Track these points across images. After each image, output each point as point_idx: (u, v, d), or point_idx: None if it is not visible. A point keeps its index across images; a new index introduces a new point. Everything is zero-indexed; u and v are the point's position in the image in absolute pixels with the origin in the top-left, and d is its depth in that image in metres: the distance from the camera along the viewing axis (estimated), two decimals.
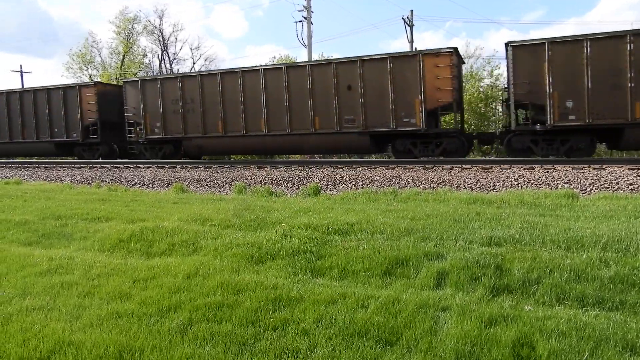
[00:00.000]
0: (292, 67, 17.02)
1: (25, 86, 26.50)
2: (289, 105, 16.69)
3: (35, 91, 21.65)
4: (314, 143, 16.97)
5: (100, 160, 20.86)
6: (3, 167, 19.36)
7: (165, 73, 18.63)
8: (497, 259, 4.42)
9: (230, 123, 17.76)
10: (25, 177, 16.42)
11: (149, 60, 42.77)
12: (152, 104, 19.01)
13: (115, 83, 26.57)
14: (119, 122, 20.65)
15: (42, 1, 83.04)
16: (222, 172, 14.43)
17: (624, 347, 2.95)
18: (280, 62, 16.56)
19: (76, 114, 20.57)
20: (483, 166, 12.37)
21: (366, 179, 11.86)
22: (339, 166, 13.97)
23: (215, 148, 18.69)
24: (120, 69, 39.82)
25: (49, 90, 21.17)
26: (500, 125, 18.19)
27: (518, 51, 13.87)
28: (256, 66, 17.65)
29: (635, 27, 16.03)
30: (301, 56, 59.89)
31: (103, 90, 20.92)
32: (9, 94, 22.26)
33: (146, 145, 19.84)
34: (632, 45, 12.74)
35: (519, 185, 10.40)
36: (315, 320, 3.44)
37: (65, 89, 20.97)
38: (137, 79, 19.75)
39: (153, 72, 40.06)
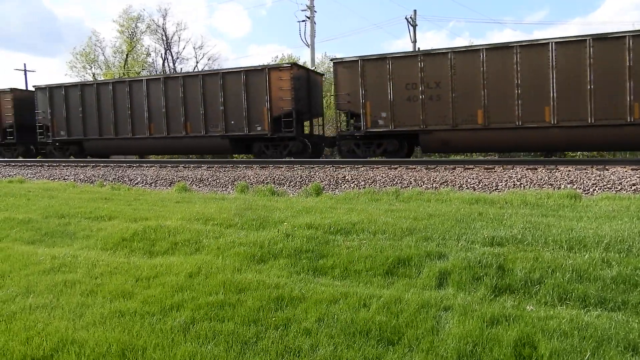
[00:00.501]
0: (600, 39, 13.30)
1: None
2: (592, 88, 13.21)
3: (204, 76, 18.25)
4: (631, 138, 13.19)
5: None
6: (7, 165, 19.44)
7: (395, 51, 15.58)
8: (499, 259, 4.42)
9: (495, 112, 14.26)
10: (29, 175, 16.48)
11: (152, 59, 42.93)
12: (376, 90, 15.48)
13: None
14: (306, 111, 17.86)
15: (46, 0, 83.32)
16: (224, 171, 14.46)
17: (625, 347, 2.95)
18: (578, 35, 13.45)
19: (263, 103, 17.06)
20: (485, 166, 12.36)
21: (368, 179, 11.86)
22: (341, 166, 13.98)
23: (469, 143, 15.08)
24: (124, 68, 39.95)
25: (224, 75, 17.69)
26: None
27: None
28: (543, 39, 13.87)
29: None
30: (304, 56, 59.90)
31: (298, 73, 17.31)
32: (167, 79, 19.08)
33: (360, 141, 16.24)
34: None
35: (522, 185, 10.38)
36: (317, 319, 3.45)
37: (248, 72, 17.33)
38: (356, 58, 15.84)
39: (156, 71, 40.16)
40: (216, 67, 42.38)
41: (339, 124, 17.09)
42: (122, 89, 19.66)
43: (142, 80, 19.51)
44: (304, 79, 17.76)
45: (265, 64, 17.09)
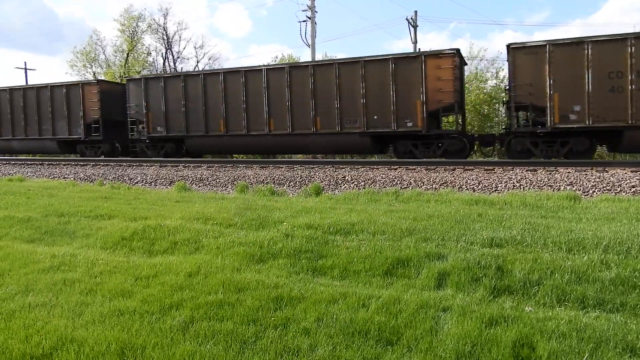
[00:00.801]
0: None
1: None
2: None
3: (340, 64, 15.94)
4: None
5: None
6: (7, 163, 19.44)
7: (596, 34, 13.59)
8: (499, 260, 4.43)
9: None
10: (29, 174, 16.49)
11: (153, 58, 42.92)
12: (567, 79, 13.40)
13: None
14: (461, 105, 15.67)
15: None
16: (224, 171, 14.46)
17: (624, 348, 2.95)
18: None
19: (416, 95, 14.87)
20: (485, 167, 12.36)
21: (368, 179, 11.87)
22: (341, 166, 13.98)
23: None
24: (124, 67, 39.94)
25: (366, 63, 15.47)
26: None
27: None
28: None
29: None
30: (304, 56, 59.91)
31: (458, 61, 15.25)
32: (292, 68, 16.69)
33: (541, 139, 14.12)
34: None
35: (521, 186, 10.39)
36: (316, 319, 3.46)
37: (398, 60, 15.09)
38: (543, 42, 13.72)
39: (157, 71, 40.15)
40: (217, 67, 42.35)
41: (515, 119, 14.72)
42: (236, 80, 17.33)
43: (261, 69, 17.10)
44: (461, 68, 15.59)
45: (421, 50, 15.07)
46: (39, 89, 21.39)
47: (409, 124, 15.06)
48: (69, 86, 20.90)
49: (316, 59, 17.51)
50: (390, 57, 15.24)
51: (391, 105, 15.16)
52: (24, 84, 21.82)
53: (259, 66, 17.46)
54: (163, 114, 18.67)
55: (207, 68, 40.22)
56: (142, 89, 19.05)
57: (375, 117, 15.41)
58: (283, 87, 16.59)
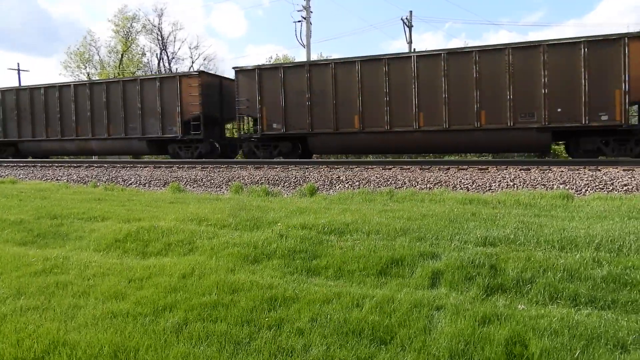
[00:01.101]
0: None
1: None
2: None
3: (514, 49, 13.80)
4: None
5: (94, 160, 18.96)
6: None
7: None
8: (492, 258, 4.44)
9: None
10: (21, 176, 16.36)
11: (148, 59, 42.78)
12: None
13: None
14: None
15: (42, 0, 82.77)
16: (218, 172, 14.43)
17: (615, 345, 2.98)
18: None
19: (614, 83, 12.95)
20: (479, 167, 12.42)
21: (363, 179, 11.88)
22: (336, 166, 13.99)
23: None
24: (119, 68, 39.78)
25: (547, 47, 13.41)
26: None
27: None
28: None
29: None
30: (300, 56, 59.84)
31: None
32: (451, 54, 14.53)
33: None
34: None
35: (515, 186, 10.45)
36: (310, 319, 3.46)
37: (591, 43, 13.10)
38: None
39: (152, 72, 39.99)
40: (212, 67, 42.21)
41: None
42: (376, 69, 15.23)
43: (410, 57, 15.03)
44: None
45: (622, 32, 12.88)
46: (126, 82, 19.57)
47: (604, 117, 12.94)
48: (164, 79, 19.11)
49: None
50: (583, 40, 13.19)
51: (582, 95, 13.06)
52: (111, 77, 20.49)
53: (407, 53, 15.64)
54: (281, 108, 16.50)
55: (202, 68, 40.10)
56: (256, 80, 16.94)
57: (559, 109, 13.34)
58: (438, 77, 14.51)
